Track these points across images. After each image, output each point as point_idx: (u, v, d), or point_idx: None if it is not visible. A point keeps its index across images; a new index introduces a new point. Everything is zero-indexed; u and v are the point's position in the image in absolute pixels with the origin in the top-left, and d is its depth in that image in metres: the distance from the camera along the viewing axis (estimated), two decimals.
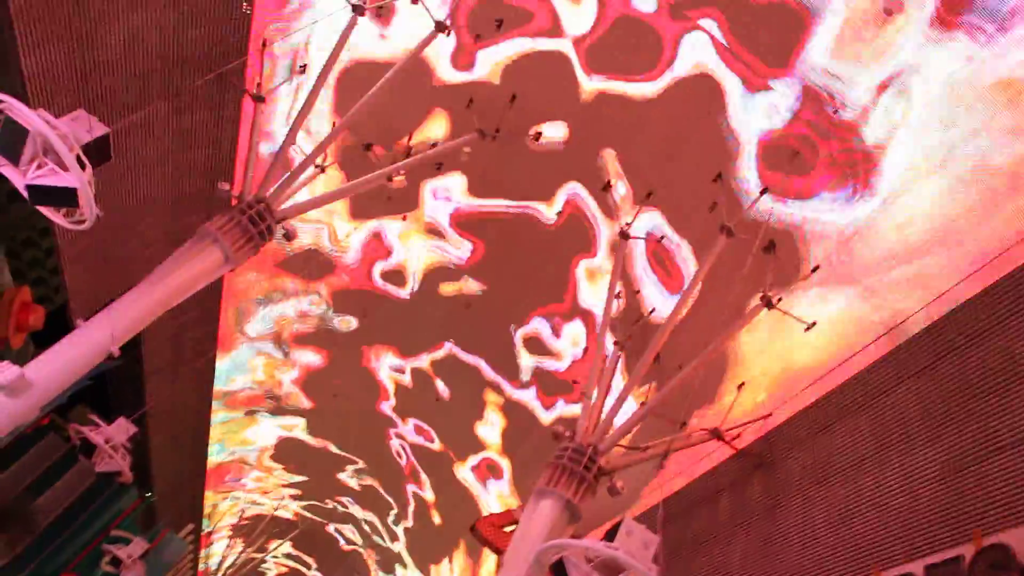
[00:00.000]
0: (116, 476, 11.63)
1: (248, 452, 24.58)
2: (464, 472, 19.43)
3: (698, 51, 9.81)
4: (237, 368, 19.49)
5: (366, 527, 27.03)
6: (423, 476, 21.33)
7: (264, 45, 10.27)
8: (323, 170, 11.03)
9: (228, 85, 10.32)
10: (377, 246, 15.41)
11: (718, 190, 10.05)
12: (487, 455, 18.47)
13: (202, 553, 27.51)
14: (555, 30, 10.84)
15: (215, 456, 23.42)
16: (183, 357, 15.70)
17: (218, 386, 19.27)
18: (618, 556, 6.11)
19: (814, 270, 9.52)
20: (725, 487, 10.70)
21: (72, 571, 14.92)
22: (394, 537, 25.39)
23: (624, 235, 11.14)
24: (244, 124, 11.00)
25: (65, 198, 6.61)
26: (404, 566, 25.69)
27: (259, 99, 10.41)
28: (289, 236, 10.13)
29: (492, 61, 11.48)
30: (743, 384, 10.41)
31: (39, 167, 6.46)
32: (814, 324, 9.33)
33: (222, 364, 18.45)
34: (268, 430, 23.22)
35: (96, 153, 6.77)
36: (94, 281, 11.86)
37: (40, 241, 11.18)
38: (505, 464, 18.12)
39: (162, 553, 17.06)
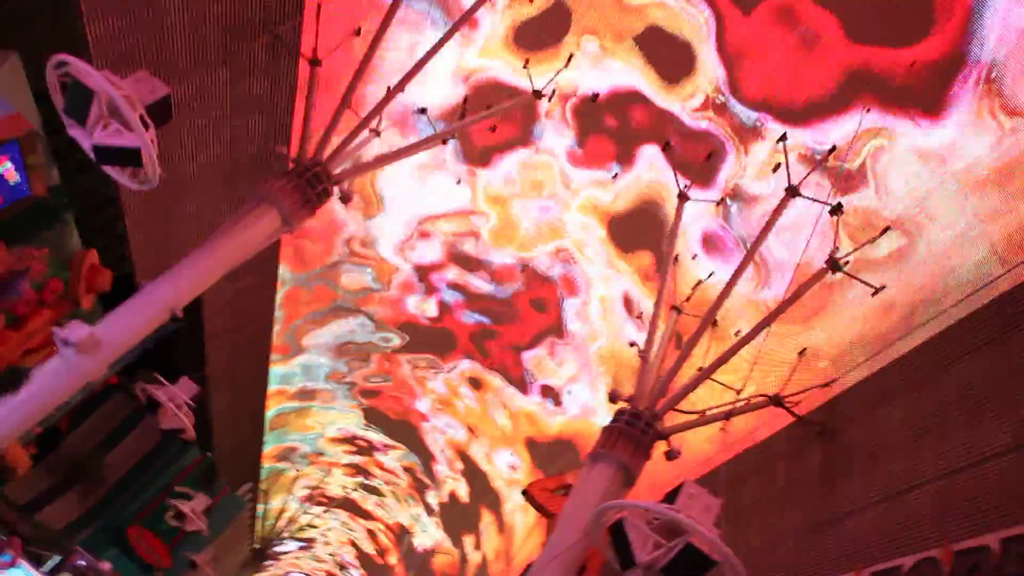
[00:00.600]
0: (179, 433, 12.03)
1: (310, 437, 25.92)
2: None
3: None
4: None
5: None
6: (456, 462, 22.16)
7: (319, 7, 10.22)
8: (378, 134, 10.99)
9: (284, 49, 10.32)
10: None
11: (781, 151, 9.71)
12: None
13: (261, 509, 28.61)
14: None
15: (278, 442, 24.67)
16: (242, 322, 16.05)
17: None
18: (680, 519, 6.04)
19: (884, 231, 9.16)
20: (783, 455, 10.50)
21: (141, 524, 15.63)
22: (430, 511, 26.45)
23: (683, 196, 10.86)
24: (301, 88, 11.00)
25: (130, 158, 6.73)
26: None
27: (315, 63, 10.39)
28: (346, 198, 10.16)
29: None
30: (805, 350, 10.14)
31: (104, 127, 6.58)
32: (883, 288, 9.00)
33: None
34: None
35: (159, 113, 6.86)
36: (157, 246, 12.16)
37: (107, 208, 11.46)
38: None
39: (223, 509, 17.72)
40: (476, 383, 19.80)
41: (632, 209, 13.23)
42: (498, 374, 18.93)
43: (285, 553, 33.27)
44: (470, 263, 16.60)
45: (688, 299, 11.72)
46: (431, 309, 18.45)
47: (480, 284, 16.97)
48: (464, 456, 22.27)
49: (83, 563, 13.65)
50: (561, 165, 13.71)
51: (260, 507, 27.93)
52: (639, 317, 13.60)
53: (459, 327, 18.54)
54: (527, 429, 19.06)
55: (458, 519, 24.61)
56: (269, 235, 9.71)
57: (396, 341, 20.10)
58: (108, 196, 11.01)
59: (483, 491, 22.05)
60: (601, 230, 14.11)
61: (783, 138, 9.82)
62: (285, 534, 30.78)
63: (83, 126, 6.62)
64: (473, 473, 22.21)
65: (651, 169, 12.40)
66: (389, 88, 10.44)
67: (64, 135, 7.42)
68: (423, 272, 17.40)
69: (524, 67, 11.30)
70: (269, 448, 24.85)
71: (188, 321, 12.66)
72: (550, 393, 17.67)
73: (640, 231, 13.33)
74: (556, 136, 13.20)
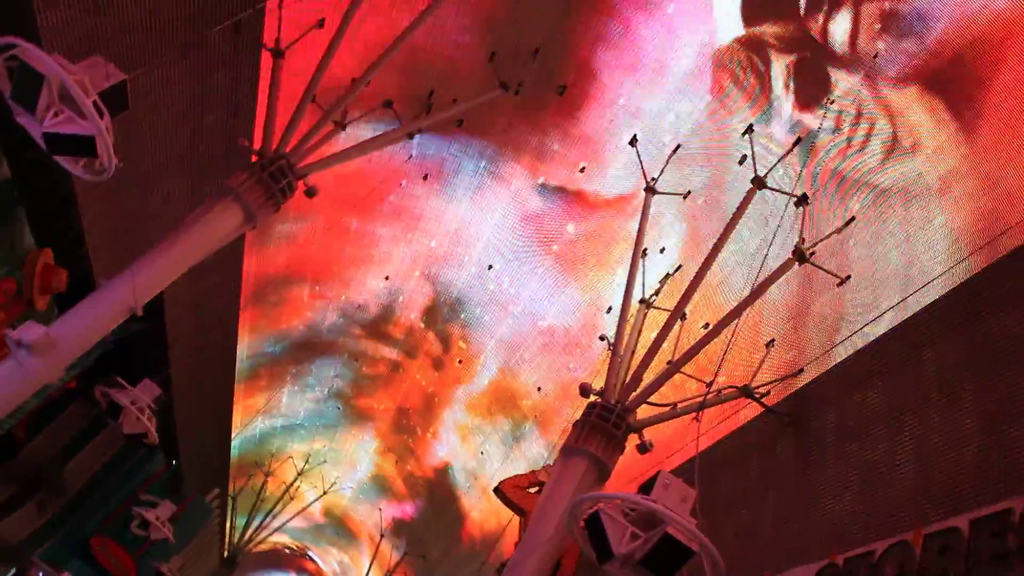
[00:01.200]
0: (143, 438, 11.67)
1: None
2: None
3: None
4: None
5: None
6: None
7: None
8: (343, 127, 10.83)
9: (246, 40, 10.09)
10: None
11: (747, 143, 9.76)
12: None
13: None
14: None
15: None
16: (206, 323, 15.69)
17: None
18: (657, 508, 5.97)
19: (848, 222, 9.25)
20: (756, 445, 10.52)
21: (104, 534, 15.17)
22: None
23: (650, 190, 10.86)
24: (264, 81, 10.78)
25: (83, 147, 6.47)
26: None
27: (278, 54, 10.18)
28: (310, 193, 9.97)
29: None
30: (773, 341, 10.19)
31: (56, 115, 6.32)
32: (848, 278, 9.07)
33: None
34: None
35: (114, 100, 6.61)
36: (117, 245, 11.79)
37: (63, 205, 11.09)
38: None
39: (190, 517, 17.31)
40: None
41: None
42: None
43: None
44: None
45: (657, 292, 11.75)
46: None
47: None
48: None
49: (41, 575, 13.20)
50: None
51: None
52: (608, 311, 13.60)
53: None
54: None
55: None
56: (232, 231, 9.47)
57: None
58: (64, 192, 10.63)
59: None
60: None
61: (749, 130, 9.90)
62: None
63: (32, 113, 6.35)
64: None
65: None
66: (353, 80, 10.28)
67: (15, 128, 7.14)
68: None
69: (490, 60, 11.24)
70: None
71: (149, 322, 12.32)
72: None
73: None
74: None
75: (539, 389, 16.70)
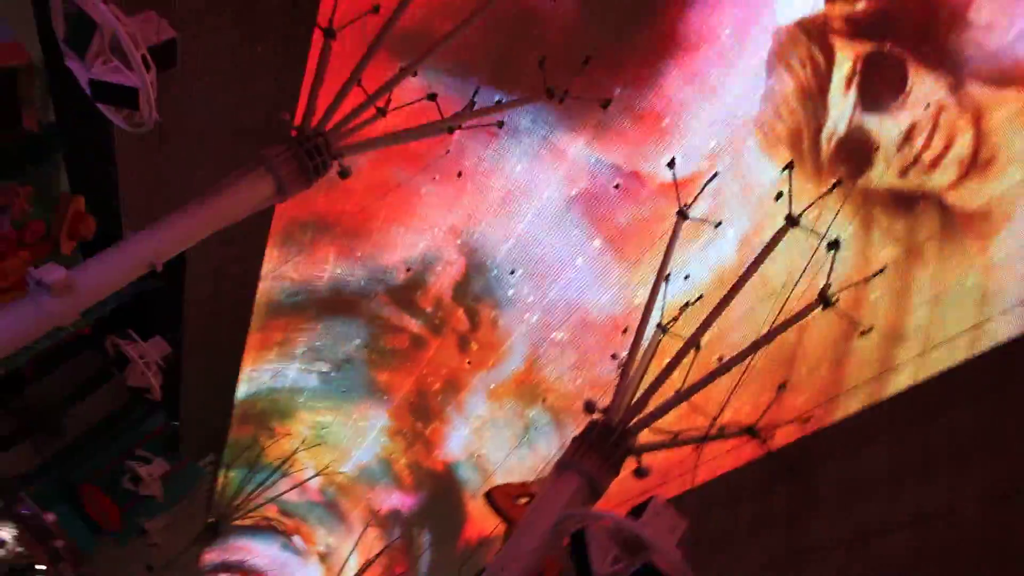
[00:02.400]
0: (145, 393, 11.76)
1: None
2: None
3: None
4: None
5: None
6: None
7: None
8: (384, 113, 10.85)
9: (300, 16, 10.18)
10: None
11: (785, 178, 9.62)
12: None
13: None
14: None
15: None
16: (224, 289, 15.80)
17: None
18: (644, 535, 5.88)
19: (877, 273, 9.09)
20: (752, 487, 10.36)
21: (95, 483, 15.32)
22: None
23: (683, 215, 10.76)
24: (312, 59, 10.85)
25: (126, 98, 6.55)
26: None
27: (330, 34, 10.25)
28: (344, 174, 10.00)
29: None
30: (785, 384, 10.03)
31: (104, 63, 6.40)
32: (871, 329, 8.91)
33: None
34: None
35: (162, 56, 6.69)
36: (148, 200, 11.93)
37: (100, 155, 11.24)
38: None
39: (182, 478, 17.44)
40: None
41: None
42: None
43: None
44: None
45: (675, 319, 11.62)
46: None
47: None
48: None
49: (27, 511, 13.32)
50: None
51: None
52: (624, 332, 13.47)
53: None
54: None
55: None
56: (261, 201, 9.53)
57: None
58: (103, 143, 10.79)
59: None
60: None
61: (789, 166, 9.76)
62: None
63: (82, 59, 6.43)
64: None
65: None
66: (401, 68, 10.32)
67: (66, 76, 7.24)
68: None
69: (540, 66, 11.23)
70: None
71: (168, 280, 12.45)
72: None
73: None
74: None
75: (556, 381, 15.98)
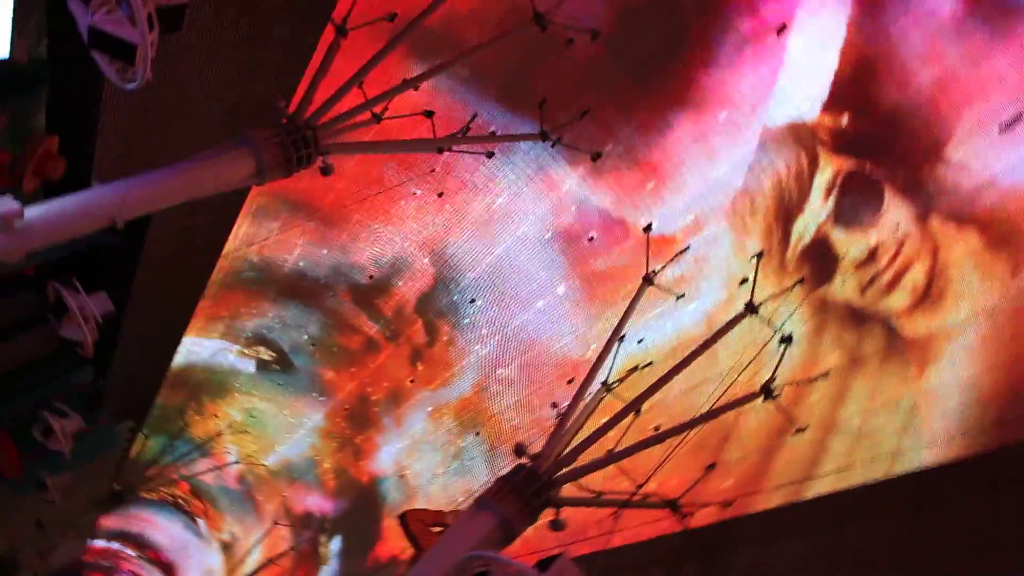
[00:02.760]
0: (77, 347, 11.37)
1: None
2: None
3: None
4: None
5: None
6: None
7: None
8: (379, 120, 10.87)
9: (316, 6, 10.20)
10: None
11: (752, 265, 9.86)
12: None
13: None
14: None
15: None
16: (183, 257, 15.50)
17: None
18: None
19: (821, 376, 9.31)
20: (660, 562, 10.40)
21: (3, 426, 14.73)
22: None
23: (648, 281, 10.91)
24: (319, 52, 10.84)
25: (123, 52, 6.46)
26: None
27: (341, 32, 10.28)
28: (326, 171, 9.96)
29: None
30: (714, 465, 10.14)
31: (108, 12, 6.33)
32: (806, 428, 9.09)
33: None
34: None
35: (169, 19, 6.63)
36: (124, 157, 11.70)
37: (86, 102, 11.02)
38: None
39: (95, 440, 16.87)
40: None
41: None
42: None
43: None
44: None
45: (621, 380, 11.70)
46: None
47: None
48: None
49: None
50: None
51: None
52: (570, 382, 13.53)
53: None
54: None
55: None
56: (238, 180, 9.42)
57: None
58: (91, 91, 10.59)
59: None
60: None
61: (758, 256, 10.00)
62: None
63: (86, 3, 6.36)
64: None
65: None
66: (405, 80, 10.38)
67: (65, 14, 7.12)
68: None
69: (539, 106, 11.39)
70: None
71: (128, 240, 12.14)
72: None
73: None
74: None
75: (498, 415, 15.84)
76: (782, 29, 9.21)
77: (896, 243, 8.93)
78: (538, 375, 15.26)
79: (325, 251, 17.53)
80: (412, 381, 18.76)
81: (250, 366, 23.49)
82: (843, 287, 9.48)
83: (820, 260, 9.77)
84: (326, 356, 21.12)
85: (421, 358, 18.35)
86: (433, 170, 13.92)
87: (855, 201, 9.37)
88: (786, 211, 10.21)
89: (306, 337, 20.86)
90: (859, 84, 8.72)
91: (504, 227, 14.63)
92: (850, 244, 9.48)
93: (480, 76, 12.22)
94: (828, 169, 9.58)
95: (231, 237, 15.83)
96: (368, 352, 19.77)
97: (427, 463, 19.45)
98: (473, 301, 15.92)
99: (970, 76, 7.79)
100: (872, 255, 9.23)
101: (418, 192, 14.07)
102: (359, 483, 22.64)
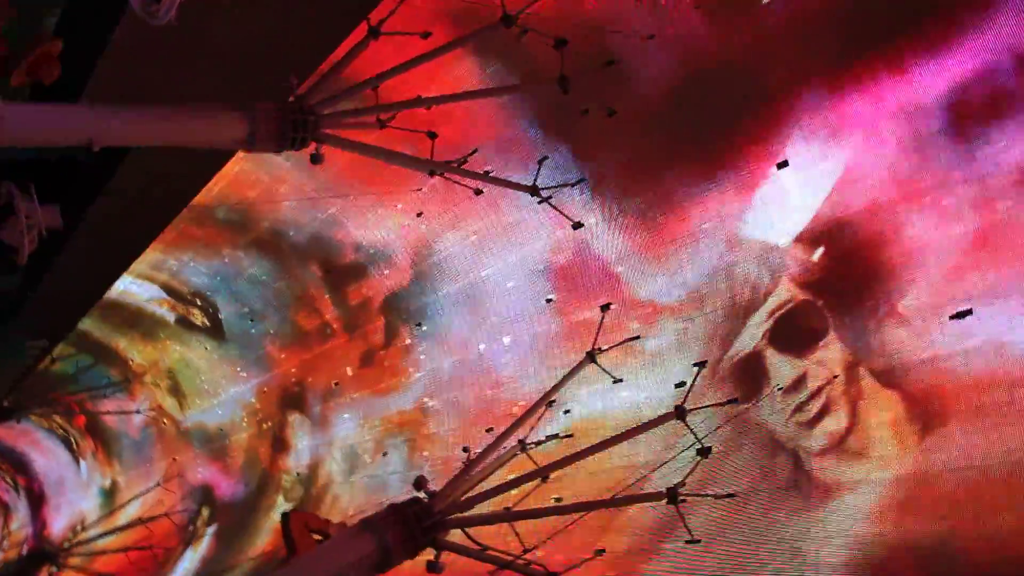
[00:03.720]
0: (13, 253, 11.03)
1: None
2: None
3: None
4: None
5: None
6: None
7: None
8: (383, 126, 10.94)
9: (355, 1, 10.33)
10: None
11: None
12: None
13: None
14: None
15: None
16: (149, 201, 15.24)
17: None
18: None
19: (727, 495, 9.45)
20: None
21: None
22: None
23: (591, 357, 11.03)
24: (346, 44, 10.94)
25: None
26: None
27: (373, 34, 10.40)
28: (316, 159, 9.96)
29: None
30: (603, 550, 10.17)
31: None
32: (698, 541, 9.18)
33: None
34: None
35: None
36: (122, 84, 11.55)
37: (102, 20, 10.89)
38: None
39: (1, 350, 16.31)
40: None
41: None
42: None
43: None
44: None
45: (538, 444, 11.72)
46: None
47: None
48: None
49: None
50: None
51: None
52: (488, 431, 13.49)
53: None
54: None
55: None
56: (226, 140, 9.40)
57: None
58: (112, 9, 10.49)
59: None
60: None
61: (702, 364, 10.20)
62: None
63: None
64: None
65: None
66: (419, 96, 10.51)
67: None
68: None
69: (539, 162, 11.59)
70: None
71: (99, 163, 11.95)
72: None
73: None
74: None
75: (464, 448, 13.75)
76: (784, 165, 9.56)
77: (823, 380, 9.26)
78: (486, 409, 14.60)
79: (312, 216, 16.57)
80: (353, 378, 18.11)
81: (184, 322, 22.82)
82: (771, 415, 9.75)
83: (751, 380, 10.03)
84: (277, 329, 20.17)
85: (372, 359, 17.51)
86: (420, 189, 13.96)
87: (797, 330, 9.66)
88: (732, 325, 10.48)
89: (261, 302, 19.93)
90: (835, 230, 9.10)
91: (497, 246, 13.80)
92: (780, 369, 9.77)
93: (507, 113, 12.23)
94: (782, 293, 9.89)
95: (204, 191, 15.63)
96: (320, 337, 18.82)
97: (341, 467, 18.71)
98: (440, 315, 15.27)
99: (940, 260, 8.19)
100: (796, 384, 9.54)
101: (423, 189, 13.60)
102: (265, 470, 21.72)
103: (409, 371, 16.41)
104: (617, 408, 11.87)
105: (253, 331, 20.98)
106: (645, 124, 11.02)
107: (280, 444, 21.06)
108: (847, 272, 9.08)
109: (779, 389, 9.61)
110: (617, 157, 11.52)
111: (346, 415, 18.52)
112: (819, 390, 9.24)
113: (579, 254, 12.30)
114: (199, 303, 21.58)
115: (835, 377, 9.05)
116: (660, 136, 10.93)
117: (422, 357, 16.04)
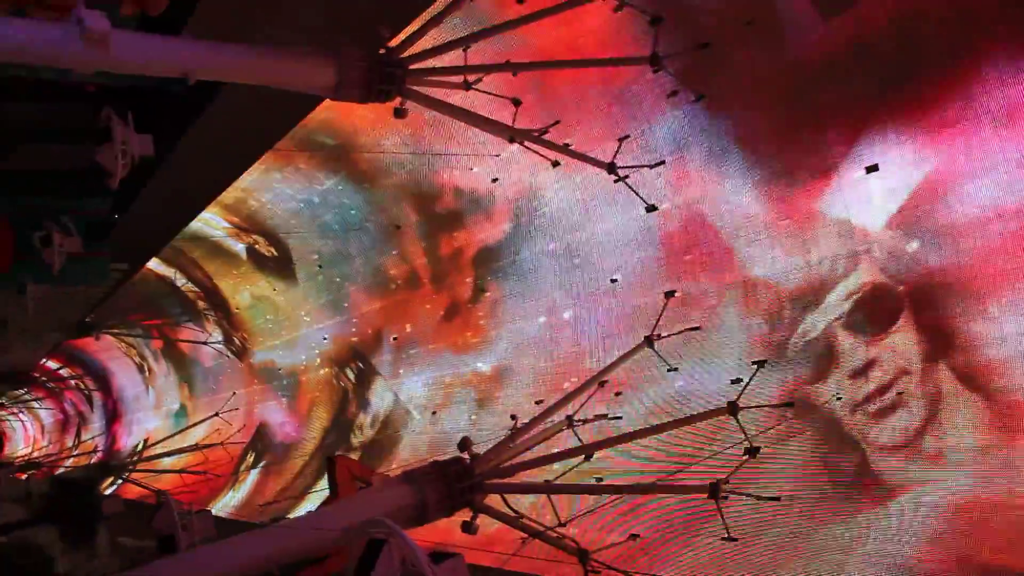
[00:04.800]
0: (107, 177, 11.54)
1: None
2: None
3: None
4: None
5: None
6: None
7: None
8: (468, 87, 10.92)
9: None
10: None
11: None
12: None
13: None
14: None
15: None
16: (239, 136, 15.64)
17: None
18: None
19: (771, 499, 9.23)
20: None
21: (9, 219, 14.96)
22: None
23: (649, 342, 10.89)
24: (443, 2, 10.90)
25: None
26: None
27: None
28: (400, 114, 10.03)
29: None
30: (637, 536, 10.12)
31: None
32: (735, 540, 9.02)
33: None
34: None
35: None
36: (225, 22, 11.81)
37: None
38: None
39: (86, 268, 17.07)
40: None
41: None
42: None
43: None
44: None
45: (584, 423, 11.68)
46: None
47: None
48: None
49: None
50: None
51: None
52: (538, 403, 13.52)
53: None
54: None
55: None
56: (315, 86, 9.55)
57: None
58: None
59: None
60: None
61: (760, 364, 9.94)
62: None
63: None
64: None
65: None
66: (508, 61, 10.44)
67: None
68: None
69: (619, 141, 11.39)
70: None
71: (196, 96, 12.29)
72: None
73: None
74: None
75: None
76: (873, 169, 9.12)
77: (895, 372, 8.87)
78: (566, 375, 13.76)
79: (422, 149, 15.31)
80: (433, 331, 17.07)
81: (257, 257, 23.15)
82: (832, 401, 9.41)
83: (817, 362, 9.68)
84: (363, 273, 19.31)
85: (455, 315, 16.47)
86: (498, 155, 13.83)
87: (872, 312, 9.22)
88: (802, 304, 10.06)
89: (360, 244, 18.98)
90: (926, 216, 8.62)
91: (602, 209, 12.76)
92: (850, 353, 9.39)
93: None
94: (860, 277, 9.46)
95: (287, 136, 15.92)
96: (408, 287, 17.93)
97: (408, 420, 18.17)
98: (530, 276, 14.29)
99: None
100: (865, 369, 9.17)
101: (500, 156, 12.98)
102: (330, 415, 21.54)
103: (492, 330, 15.66)
104: (670, 393, 11.71)
105: (329, 274, 20.55)
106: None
107: (353, 393, 20.99)
108: (933, 259, 8.61)
109: (847, 372, 9.27)
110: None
111: (424, 372, 17.91)
112: (891, 380, 8.87)
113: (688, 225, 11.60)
114: (275, 241, 21.99)
115: (906, 369, 8.67)
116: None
117: (508, 317, 15.19)
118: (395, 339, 19.02)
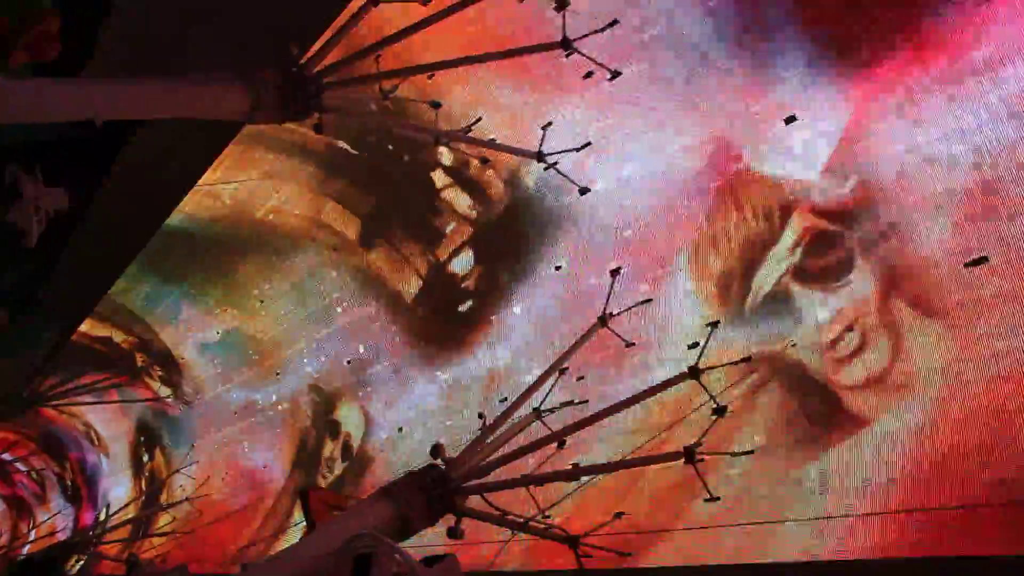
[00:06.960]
0: (20, 236, 11.06)
1: None
2: None
3: None
4: None
5: None
6: None
7: None
8: (386, 96, 10.80)
9: None
10: None
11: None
12: None
13: None
14: None
15: None
16: (157, 174, 15.17)
17: None
18: None
19: (743, 453, 9.38)
20: None
21: None
22: None
23: (602, 322, 10.91)
24: (349, 12, 10.75)
25: None
26: None
27: (373, 0, 10.21)
28: (318, 130, 9.86)
29: None
30: (622, 514, 10.13)
31: None
32: (718, 499, 9.12)
33: None
34: None
35: None
36: (122, 61, 11.46)
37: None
38: None
39: (16, 336, 16.33)
40: None
41: None
42: None
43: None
44: None
45: (552, 411, 11.64)
46: None
47: None
48: None
49: None
50: None
51: None
52: (503, 400, 13.45)
53: None
54: None
55: None
56: (226, 112, 9.27)
57: None
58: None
59: None
60: None
61: (714, 324, 10.09)
62: None
63: None
64: None
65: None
66: (419, 64, 10.36)
67: None
68: None
69: (543, 128, 11.43)
70: None
71: (105, 140, 11.89)
72: None
73: None
74: None
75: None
76: (791, 120, 9.35)
77: (855, 314, 9.08)
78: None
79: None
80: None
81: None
82: (799, 351, 9.59)
83: (777, 317, 9.86)
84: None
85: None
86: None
87: (823, 262, 9.39)
88: (749, 260, 10.20)
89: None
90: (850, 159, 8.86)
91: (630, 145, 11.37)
92: (808, 305, 9.58)
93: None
94: (801, 224, 9.58)
95: (210, 169, 15.53)
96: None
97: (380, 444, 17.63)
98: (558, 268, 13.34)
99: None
100: (832, 321, 9.37)
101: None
102: (291, 455, 21.18)
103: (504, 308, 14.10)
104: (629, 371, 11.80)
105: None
106: None
107: (312, 423, 20.03)
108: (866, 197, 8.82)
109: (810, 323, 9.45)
110: None
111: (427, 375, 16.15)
112: (851, 324, 9.07)
113: None
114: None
115: (865, 310, 8.88)
116: None
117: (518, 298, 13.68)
118: (348, 363, 18.73)
